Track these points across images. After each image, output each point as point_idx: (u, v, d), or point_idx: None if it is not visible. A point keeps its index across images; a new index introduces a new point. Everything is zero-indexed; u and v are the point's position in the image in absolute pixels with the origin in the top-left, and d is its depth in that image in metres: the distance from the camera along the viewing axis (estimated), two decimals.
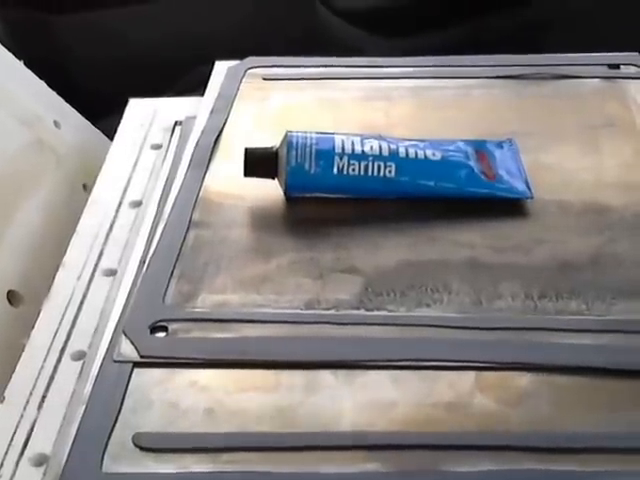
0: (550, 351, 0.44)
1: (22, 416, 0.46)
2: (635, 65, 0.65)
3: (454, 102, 0.63)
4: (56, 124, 0.71)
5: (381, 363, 0.44)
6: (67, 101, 0.75)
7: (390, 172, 0.53)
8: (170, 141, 0.66)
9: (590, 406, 0.42)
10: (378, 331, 0.46)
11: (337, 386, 0.43)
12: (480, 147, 0.56)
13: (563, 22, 0.98)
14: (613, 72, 0.65)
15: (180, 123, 0.67)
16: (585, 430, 0.41)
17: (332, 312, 0.47)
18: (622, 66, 0.65)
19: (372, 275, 0.49)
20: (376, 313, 0.47)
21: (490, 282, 0.48)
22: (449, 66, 0.67)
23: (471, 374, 0.43)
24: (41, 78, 0.73)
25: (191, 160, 0.58)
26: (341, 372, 0.44)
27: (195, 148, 0.59)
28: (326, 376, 0.44)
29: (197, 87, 0.67)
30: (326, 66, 0.67)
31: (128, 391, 0.43)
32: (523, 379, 0.43)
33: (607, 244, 0.50)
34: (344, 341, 0.45)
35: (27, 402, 0.47)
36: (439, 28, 0.99)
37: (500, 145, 0.57)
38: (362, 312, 0.47)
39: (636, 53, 0.66)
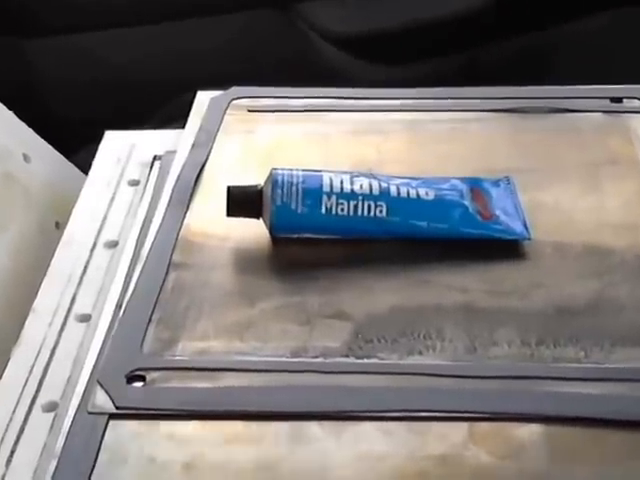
0: (547, 401, 0.46)
1: None
2: (638, 98, 0.67)
3: (449, 137, 0.65)
4: (26, 158, 0.72)
5: (371, 414, 0.45)
6: (38, 133, 0.76)
7: (381, 212, 0.55)
8: (148, 177, 0.67)
9: (588, 458, 0.44)
10: (368, 380, 0.47)
11: (324, 438, 0.45)
12: (476, 185, 0.58)
13: (569, 48, 1.01)
14: (615, 106, 0.67)
15: (159, 158, 0.69)
16: None
17: (320, 360, 0.48)
18: (625, 99, 0.67)
19: (362, 321, 0.51)
20: (366, 361, 0.48)
21: (485, 328, 0.50)
22: (444, 98, 0.69)
23: (464, 425, 0.45)
24: (10, 108, 0.74)
25: (171, 197, 0.60)
26: (328, 423, 0.45)
27: (175, 185, 0.61)
28: (312, 428, 0.45)
29: (181, 117, 0.68)
30: (315, 97, 0.69)
31: (103, 445, 0.44)
32: (519, 430, 0.45)
33: (607, 288, 0.52)
34: (332, 391, 0.47)
35: None
36: (437, 56, 1.01)
37: (497, 183, 0.59)
38: (351, 360, 0.48)
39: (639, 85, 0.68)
